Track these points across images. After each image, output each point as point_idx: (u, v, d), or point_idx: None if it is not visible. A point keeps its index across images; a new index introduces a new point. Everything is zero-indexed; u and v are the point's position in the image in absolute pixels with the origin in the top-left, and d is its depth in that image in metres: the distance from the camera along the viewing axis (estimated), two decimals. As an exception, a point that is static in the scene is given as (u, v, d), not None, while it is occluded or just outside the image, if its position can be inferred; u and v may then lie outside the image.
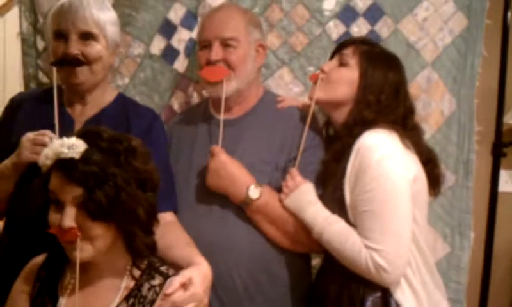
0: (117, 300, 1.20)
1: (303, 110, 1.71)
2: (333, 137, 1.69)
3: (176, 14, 1.91)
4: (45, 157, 1.17)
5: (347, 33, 1.93)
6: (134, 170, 1.17)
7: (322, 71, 1.62)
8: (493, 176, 2.03)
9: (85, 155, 1.13)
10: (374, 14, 1.93)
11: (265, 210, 1.57)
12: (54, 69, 1.54)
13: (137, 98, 1.88)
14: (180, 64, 1.93)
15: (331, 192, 1.53)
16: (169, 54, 1.93)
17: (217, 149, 1.58)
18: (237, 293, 1.56)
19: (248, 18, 1.69)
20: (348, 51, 1.60)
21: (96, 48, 1.55)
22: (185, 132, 1.75)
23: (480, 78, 1.96)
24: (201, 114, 1.78)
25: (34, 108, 1.64)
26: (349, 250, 1.43)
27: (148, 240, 1.23)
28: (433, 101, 1.92)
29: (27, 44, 1.96)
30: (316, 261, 1.88)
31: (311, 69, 1.92)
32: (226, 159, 1.57)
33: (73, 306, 1.21)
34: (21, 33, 1.97)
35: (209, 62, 1.64)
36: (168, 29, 1.92)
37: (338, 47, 1.68)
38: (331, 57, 1.68)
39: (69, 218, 1.13)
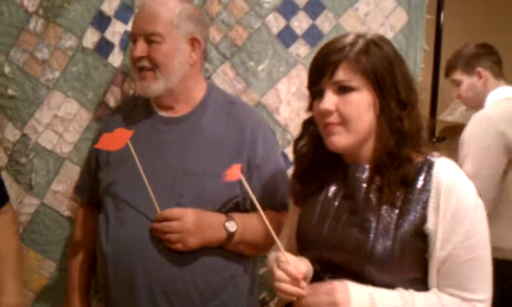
0: None
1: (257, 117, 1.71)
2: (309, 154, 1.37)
3: (110, 5, 1.80)
4: None
5: (287, 27, 1.89)
6: None
7: (329, 112, 1.21)
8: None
9: None
10: (314, 8, 1.90)
11: (244, 236, 1.55)
12: None
13: (70, 94, 1.80)
14: (115, 58, 1.83)
15: (401, 242, 1.19)
16: (103, 47, 1.82)
17: (178, 210, 1.47)
18: (191, 299, 1.52)
19: (178, 10, 1.59)
20: (342, 75, 1.20)
21: None
22: (125, 126, 1.61)
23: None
24: (141, 107, 1.69)
25: None
26: None
27: None
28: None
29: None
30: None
31: (251, 64, 1.87)
32: (194, 211, 1.49)
33: None
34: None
35: (135, 59, 1.58)
36: (101, 22, 1.80)
37: (315, 73, 1.25)
38: (315, 86, 1.25)
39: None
